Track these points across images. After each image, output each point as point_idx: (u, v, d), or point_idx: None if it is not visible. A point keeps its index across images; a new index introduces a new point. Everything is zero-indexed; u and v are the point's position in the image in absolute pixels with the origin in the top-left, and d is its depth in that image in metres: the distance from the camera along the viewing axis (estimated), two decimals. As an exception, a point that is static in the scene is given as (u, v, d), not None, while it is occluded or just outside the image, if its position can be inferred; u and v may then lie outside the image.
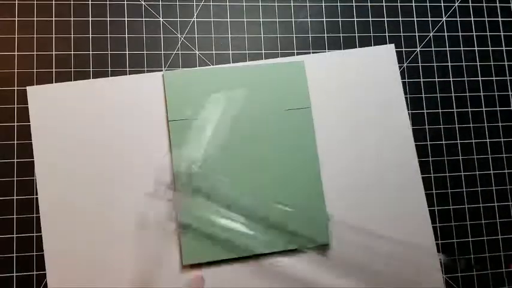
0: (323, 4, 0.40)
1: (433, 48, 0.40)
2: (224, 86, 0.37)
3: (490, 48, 0.41)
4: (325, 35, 0.39)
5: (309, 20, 0.39)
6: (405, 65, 0.40)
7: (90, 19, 0.37)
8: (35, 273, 0.34)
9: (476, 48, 0.41)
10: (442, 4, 0.41)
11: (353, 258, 0.36)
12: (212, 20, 0.38)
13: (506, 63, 0.41)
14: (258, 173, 0.36)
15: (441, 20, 0.41)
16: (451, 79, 0.40)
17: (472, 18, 0.41)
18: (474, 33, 0.41)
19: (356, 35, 0.40)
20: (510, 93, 0.40)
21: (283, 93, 0.37)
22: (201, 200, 0.35)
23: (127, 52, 0.37)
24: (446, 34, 0.41)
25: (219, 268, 0.34)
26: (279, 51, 0.39)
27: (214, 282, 0.34)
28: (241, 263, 0.35)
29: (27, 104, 0.35)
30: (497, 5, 0.41)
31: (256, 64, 0.38)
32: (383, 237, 0.36)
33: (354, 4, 0.40)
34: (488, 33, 0.41)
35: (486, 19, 0.41)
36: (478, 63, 0.40)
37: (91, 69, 0.36)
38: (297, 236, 0.35)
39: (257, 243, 0.35)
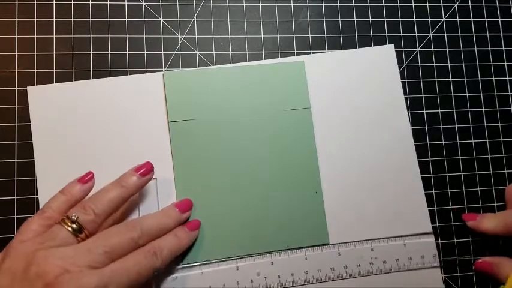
0: (323, 4, 0.40)
1: (432, 49, 0.40)
2: (224, 86, 0.37)
3: (490, 49, 0.41)
4: (325, 35, 0.39)
5: (309, 20, 0.39)
6: (405, 65, 0.40)
7: (91, 19, 0.37)
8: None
9: (476, 49, 0.41)
10: (442, 4, 0.41)
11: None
12: (212, 20, 0.39)
13: (506, 63, 0.41)
14: (257, 173, 0.36)
15: (441, 21, 0.41)
16: (450, 79, 0.40)
17: (472, 19, 0.41)
18: (474, 34, 0.41)
19: (356, 35, 0.40)
20: (510, 93, 0.40)
21: (283, 94, 0.37)
22: (200, 200, 0.35)
23: (127, 52, 0.37)
24: (446, 34, 0.41)
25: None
26: (279, 52, 0.39)
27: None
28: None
29: (28, 104, 0.35)
30: (497, 5, 0.41)
31: (256, 64, 0.38)
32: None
33: (353, 4, 0.40)
34: (488, 34, 0.41)
35: (486, 19, 0.41)
36: (477, 64, 0.41)
37: (91, 69, 0.36)
38: (296, 235, 0.35)
39: (255, 242, 0.35)
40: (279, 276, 0.34)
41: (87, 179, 0.32)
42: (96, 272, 0.26)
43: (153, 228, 0.31)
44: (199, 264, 0.34)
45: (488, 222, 0.36)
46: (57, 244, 0.27)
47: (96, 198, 0.30)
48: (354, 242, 0.36)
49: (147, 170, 0.33)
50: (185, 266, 0.34)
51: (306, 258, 0.35)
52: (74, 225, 0.28)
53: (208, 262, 0.34)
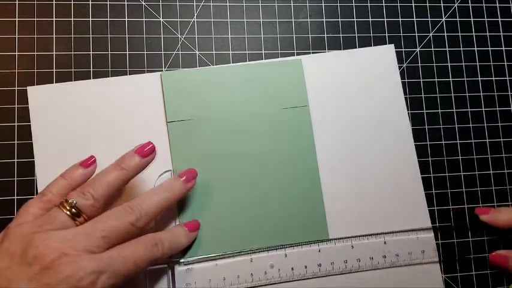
0: (323, 4, 0.40)
1: (432, 49, 0.40)
2: (222, 85, 0.37)
3: (490, 49, 0.41)
4: (325, 35, 0.39)
5: (309, 20, 0.39)
6: (405, 65, 0.40)
7: (90, 19, 0.37)
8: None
9: (476, 49, 0.41)
10: (442, 4, 0.41)
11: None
12: (212, 20, 0.39)
13: (506, 63, 0.41)
14: (256, 171, 0.36)
15: (441, 21, 0.41)
16: (450, 79, 0.40)
17: (472, 19, 0.41)
18: (474, 34, 0.41)
19: (356, 35, 0.40)
20: (510, 93, 0.41)
21: (281, 92, 0.37)
22: (200, 198, 0.35)
23: (127, 52, 0.37)
24: (446, 34, 0.41)
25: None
26: (279, 52, 0.39)
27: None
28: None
29: (27, 104, 0.35)
30: (497, 5, 0.41)
31: (254, 63, 0.38)
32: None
33: (353, 4, 0.40)
34: (488, 34, 0.41)
35: (486, 19, 0.41)
36: (477, 64, 0.41)
37: (91, 69, 0.36)
38: (295, 232, 0.35)
39: (255, 239, 0.35)
40: (292, 269, 0.35)
41: (89, 163, 0.31)
42: (94, 256, 0.26)
43: (152, 208, 0.30)
44: (213, 256, 0.34)
45: (504, 215, 0.35)
46: (56, 227, 0.27)
47: (95, 181, 0.30)
48: (368, 235, 0.36)
49: (149, 150, 0.31)
50: (199, 258, 0.34)
51: (319, 251, 0.35)
52: (72, 210, 0.28)
53: (222, 254, 0.34)
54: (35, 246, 0.26)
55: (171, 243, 0.31)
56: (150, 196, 0.31)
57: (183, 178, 0.32)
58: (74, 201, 0.28)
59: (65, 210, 0.28)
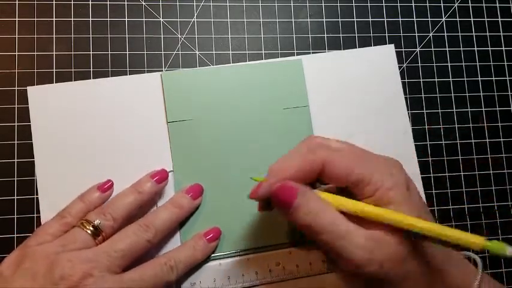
0: (323, 4, 0.40)
1: (432, 49, 0.40)
2: (222, 85, 0.37)
3: (490, 49, 0.41)
4: (325, 35, 0.39)
5: (309, 20, 0.39)
6: (405, 65, 0.40)
7: (90, 19, 0.37)
8: (35, 273, 0.33)
9: (475, 49, 0.41)
10: (442, 4, 0.41)
11: None
12: (212, 20, 0.39)
13: (506, 63, 0.41)
14: (257, 171, 0.36)
15: (441, 20, 0.41)
16: (450, 79, 0.40)
17: (472, 19, 0.41)
18: (474, 34, 0.41)
19: (356, 35, 0.40)
20: (510, 93, 0.41)
21: (282, 92, 0.37)
22: (201, 199, 0.35)
23: (127, 52, 0.37)
24: (446, 34, 0.41)
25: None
26: (279, 52, 0.39)
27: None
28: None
29: (28, 104, 0.35)
30: (497, 5, 0.41)
31: (254, 63, 0.38)
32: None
33: (353, 4, 0.40)
34: (487, 34, 0.41)
35: (486, 19, 0.41)
36: (477, 64, 0.41)
37: (91, 70, 0.36)
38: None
39: (258, 237, 0.35)
40: (297, 266, 0.35)
41: (106, 187, 0.33)
42: (116, 277, 0.28)
43: (165, 224, 0.32)
44: (217, 256, 0.34)
45: None
46: (78, 247, 0.29)
47: (114, 203, 0.31)
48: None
49: (162, 177, 0.33)
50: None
51: None
52: (92, 228, 0.30)
53: (225, 254, 0.34)
54: (61, 267, 0.27)
55: (186, 263, 0.32)
56: (161, 212, 0.32)
57: (190, 195, 0.34)
58: (98, 221, 0.30)
59: (85, 229, 0.29)
